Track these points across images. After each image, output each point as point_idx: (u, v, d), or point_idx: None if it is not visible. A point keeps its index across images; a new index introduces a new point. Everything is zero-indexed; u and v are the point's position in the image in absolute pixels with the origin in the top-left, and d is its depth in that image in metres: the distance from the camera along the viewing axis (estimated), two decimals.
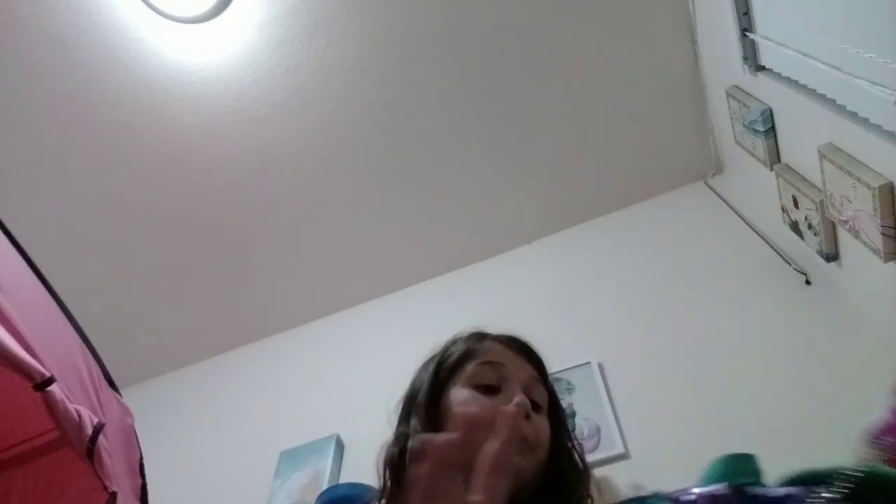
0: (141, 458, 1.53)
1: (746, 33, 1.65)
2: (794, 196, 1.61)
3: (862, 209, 1.31)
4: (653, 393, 1.64)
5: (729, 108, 1.87)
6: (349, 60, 2.04)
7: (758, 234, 1.89)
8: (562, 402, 1.64)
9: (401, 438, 0.80)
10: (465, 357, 0.84)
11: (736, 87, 1.81)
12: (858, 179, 1.28)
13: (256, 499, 1.86)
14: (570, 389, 1.72)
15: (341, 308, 2.48)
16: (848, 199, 1.35)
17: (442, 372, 0.83)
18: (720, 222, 2.02)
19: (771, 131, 1.67)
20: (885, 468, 0.64)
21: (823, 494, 0.53)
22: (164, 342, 2.52)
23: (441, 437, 0.52)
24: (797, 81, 1.49)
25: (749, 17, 1.63)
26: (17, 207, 1.82)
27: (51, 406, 1.15)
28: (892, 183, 1.22)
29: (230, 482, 1.98)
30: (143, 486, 1.50)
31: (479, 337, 0.88)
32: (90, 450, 1.21)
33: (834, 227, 1.51)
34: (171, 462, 2.01)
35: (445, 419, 0.78)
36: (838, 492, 0.53)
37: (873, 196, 1.24)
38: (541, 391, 0.83)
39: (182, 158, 2.17)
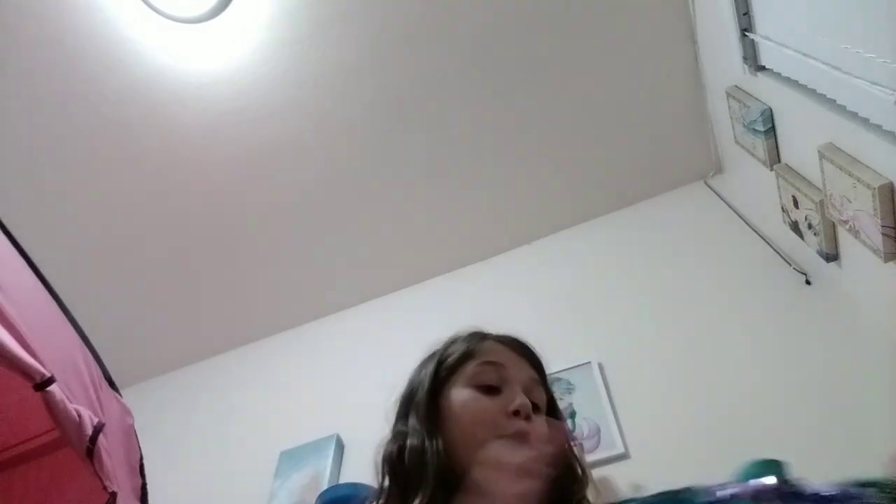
0: (141, 458, 1.53)
1: (746, 33, 1.65)
2: (794, 196, 1.61)
3: (862, 209, 1.31)
4: (653, 393, 1.64)
5: (729, 108, 1.87)
6: (349, 61, 2.04)
7: (758, 234, 1.89)
8: (562, 401, 1.66)
9: (399, 436, 0.81)
10: (466, 357, 0.84)
11: (736, 87, 1.81)
12: (858, 179, 1.28)
13: (256, 499, 1.86)
14: (570, 389, 1.72)
15: (341, 308, 2.48)
16: (848, 199, 1.35)
17: (442, 371, 0.84)
18: (720, 222, 2.02)
19: (771, 131, 1.67)
20: None
21: (881, 495, 0.54)
22: (163, 342, 2.52)
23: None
24: (797, 81, 1.49)
25: (749, 17, 1.63)
26: (17, 207, 1.82)
27: (51, 406, 1.15)
28: (892, 183, 1.22)
29: (230, 482, 1.98)
30: (143, 486, 1.50)
31: (480, 337, 0.88)
32: (90, 450, 1.20)
33: (834, 227, 1.51)
34: (171, 462, 2.01)
35: (444, 418, 0.79)
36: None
37: (873, 196, 1.24)
38: (540, 393, 0.84)
39: (182, 158, 2.17)
